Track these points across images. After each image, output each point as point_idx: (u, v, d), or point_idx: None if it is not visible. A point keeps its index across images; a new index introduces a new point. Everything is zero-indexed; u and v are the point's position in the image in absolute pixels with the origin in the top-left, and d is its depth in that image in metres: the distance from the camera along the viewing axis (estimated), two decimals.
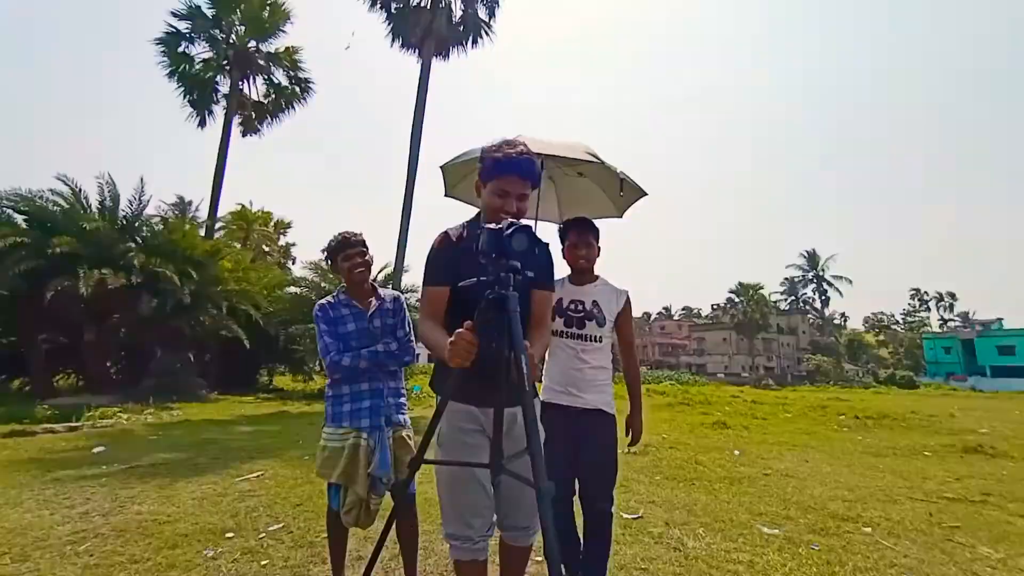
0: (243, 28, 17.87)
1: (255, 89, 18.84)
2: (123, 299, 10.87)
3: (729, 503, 4.17)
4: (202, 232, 14.63)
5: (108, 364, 12.76)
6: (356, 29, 72.09)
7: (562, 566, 1.25)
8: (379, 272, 14.47)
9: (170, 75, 17.12)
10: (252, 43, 18.04)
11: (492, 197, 1.69)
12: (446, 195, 3.22)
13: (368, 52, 46.28)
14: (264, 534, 3.23)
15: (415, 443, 2.23)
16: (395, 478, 2.32)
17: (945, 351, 54.55)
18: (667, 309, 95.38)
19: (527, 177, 1.68)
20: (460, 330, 1.41)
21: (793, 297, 64.85)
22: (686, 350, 63.64)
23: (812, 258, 61.69)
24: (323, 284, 13.80)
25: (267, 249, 31.81)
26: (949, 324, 68.50)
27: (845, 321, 71.30)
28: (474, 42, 17.10)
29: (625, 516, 3.68)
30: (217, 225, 18.95)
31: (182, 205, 22.62)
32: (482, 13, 16.99)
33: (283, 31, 18.22)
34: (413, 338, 2.48)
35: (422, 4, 16.40)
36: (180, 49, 17.15)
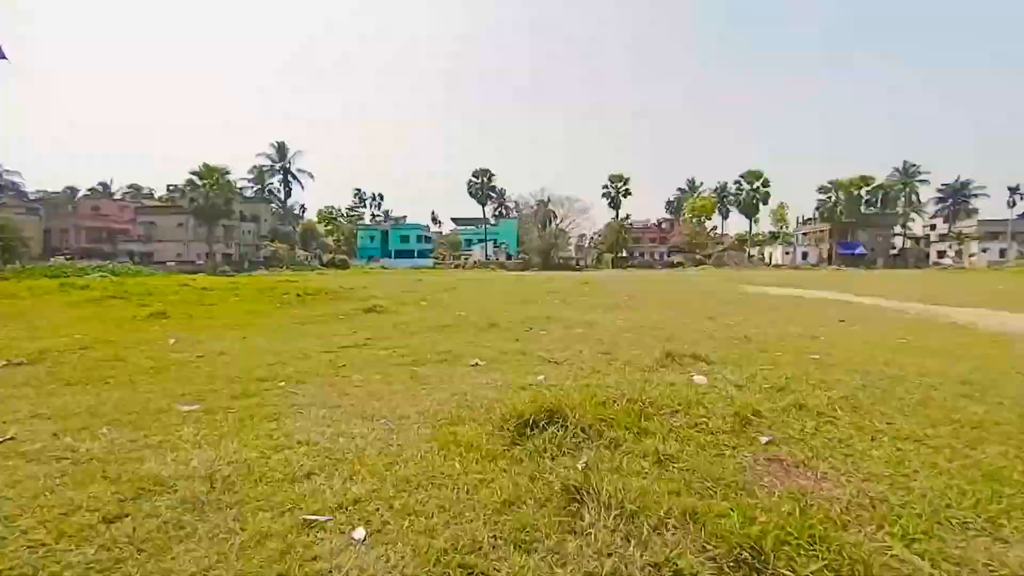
0: None
1: None
2: None
3: (150, 393, 3.89)
4: None
5: None
6: None
7: None
8: None
9: None
10: None
11: None
12: None
13: None
14: None
15: None
16: None
17: (371, 239, 70.07)
18: (105, 186, 75.57)
19: None
20: None
21: (260, 186, 65.22)
22: (129, 236, 53.45)
23: (281, 150, 63.26)
24: None
25: None
26: (376, 218, 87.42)
27: (303, 212, 78.48)
28: None
29: None
30: None
31: None
32: None
33: None
34: None
35: None
36: None
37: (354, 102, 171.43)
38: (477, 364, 4.80)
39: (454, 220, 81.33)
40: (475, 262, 60.04)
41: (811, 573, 1.63)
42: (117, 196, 72.28)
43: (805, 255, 63.89)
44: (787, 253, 65.81)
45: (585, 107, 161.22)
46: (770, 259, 66.96)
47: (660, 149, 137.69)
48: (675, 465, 2.43)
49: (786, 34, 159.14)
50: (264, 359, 5.10)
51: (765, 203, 67.22)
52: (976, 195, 65.10)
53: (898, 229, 68.07)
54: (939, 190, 67.03)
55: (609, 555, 1.78)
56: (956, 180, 65.51)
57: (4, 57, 17.43)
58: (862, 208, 64.34)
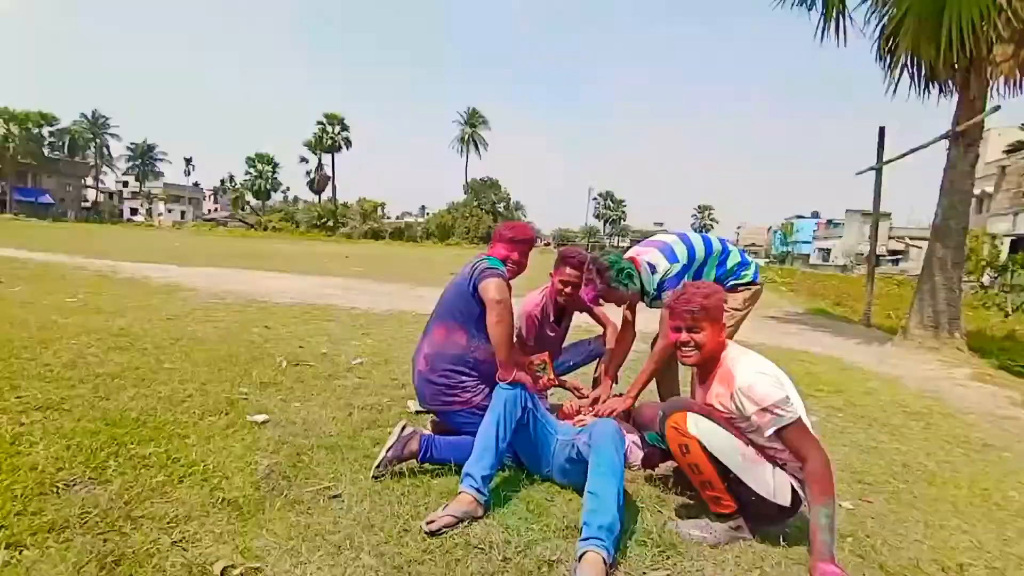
0: None
1: None
2: None
3: None
4: None
5: None
6: None
7: None
8: None
9: None
10: None
11: None
12: None
13: None
14: None
15: None
16: None
17: None
18: None
19: None
20: None
21: None
22: None
23: None
24: None
25: None
26: None
27: None
28: None
29: None
30: None
31: None
32: None
33: None
34: None
35: None
36: None
37: None
38: None
39: None
40: None
41: None
42: None
43: None
44: None
45: None
46: None
47: None
48: None
49: None
50: None
51: None
52: (161, 159, 71.96)
53: (91, 181, 65.12)
54: (129, 148, 69.17)
55: None
56: (143, 142, 69.70)
57: None
58: (47, 152, 56.69)
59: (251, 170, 60.21)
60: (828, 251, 55.02)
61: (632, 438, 2.47)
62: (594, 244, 68.96)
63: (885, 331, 8.36)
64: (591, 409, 2.51)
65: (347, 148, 54.34)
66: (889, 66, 7.19)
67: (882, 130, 8.47)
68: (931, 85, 7.12)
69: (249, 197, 63.11)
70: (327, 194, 56.46)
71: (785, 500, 1.74)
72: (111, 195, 69.91)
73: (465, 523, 1.75)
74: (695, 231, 2.64)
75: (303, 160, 56.64)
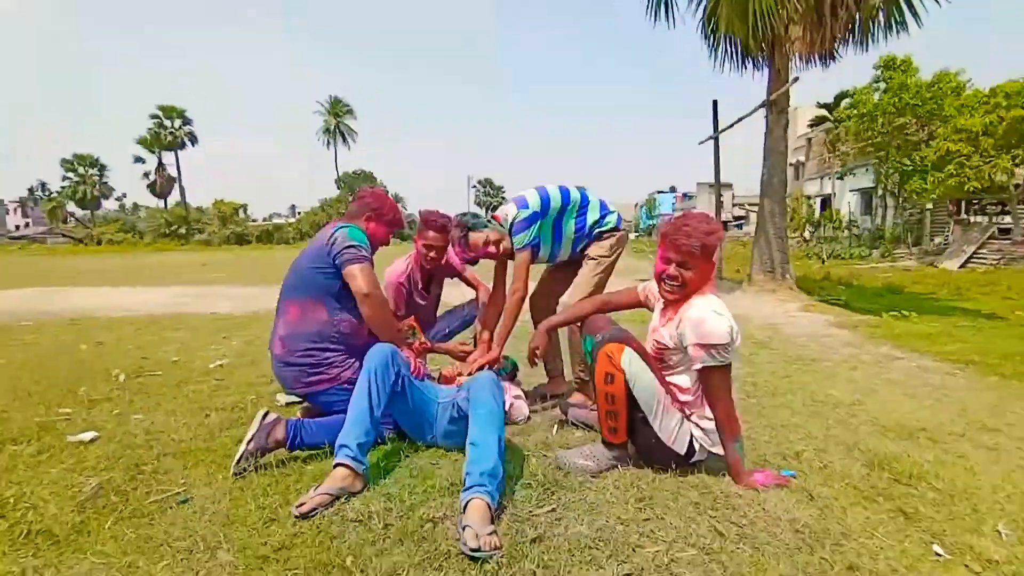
0: None
1: None
2: None
3: None
4: None
5: None
6: None
7: None
8: None
9: None
10: None
11: None
12: None
13: None
14: None
15: None
16: None
17: None
18: None
19: None
20: None
21: None
22: None
23: None
24: None
25: None
26: None
27: None
28: None
29: None
30: None
31: None
32: None
33: None
34: None
35: None
36: None
37: None
38: None
39: None
40: None
41: None
42: None
43: None
44: None
45: None
46: None
47: None
48: None
49: None
50: None
51: None
52: None
53: None
54: None
55: None
56: None
57: None
58: None
59: (70, 175, 50.95)
60: None
61: (514, 393, 2.49)
62: None
63: (734, 282, 9.48)
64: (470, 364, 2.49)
65: (192, 144, 48.20)
66: (713, 45, 8.08)
67: (715, 103, 9.48)
68: (746, 61, 8.11)
69: (72, 207, 53.51)
70: (175, 197, 49.87)
71: (681, 449, 1.82)
72: None
73: (342, 500, 1.62)
74: (556, 185, 2.68)
75: (139, 160, 49.23)
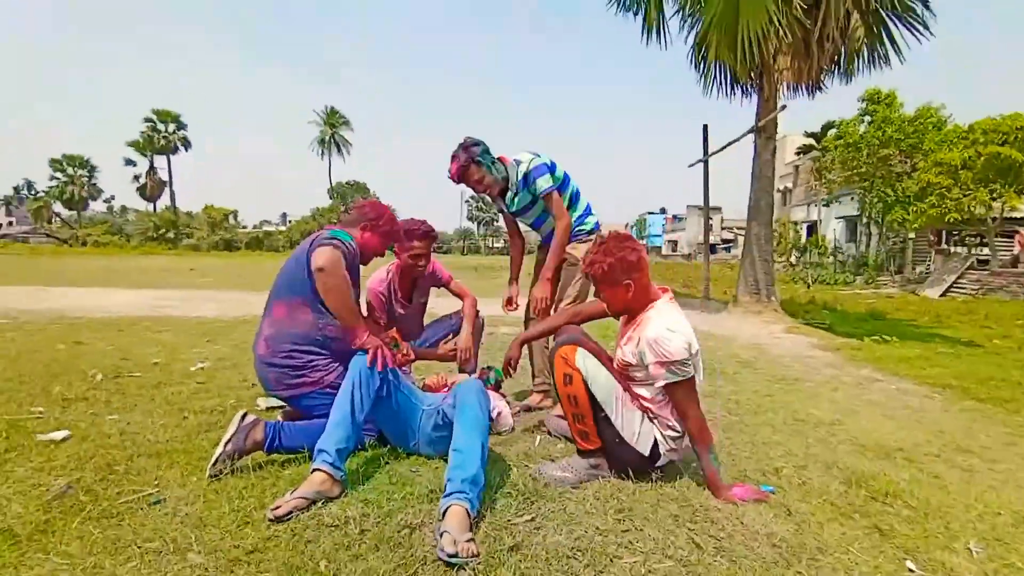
0: None
1: None
2: None
3: None
4: None
5: None
6: None
7: None
8: None
9: None
10: None
11: None
12: None
13: None
14: None
15: None
16: None
17: None
18: None
19: None
20: None
21: None
22: None
23: None
24: None
25: None
26: None
27: None
28: None
29: None
30: None
31: None
32: None
33: None
34: None
35: None
36: None
37: None
38: None
39: None
40: None
41: None
42: None
43: None
44: None
45: None
46: None
47: None
48: None
49: None
50: None
51: None
52: None
53: None
54: None
55: None
56: None
57: None
58: None
59: (58, 175, 50.32)
60: (676, 242, 61.68)
61: (501, 404, 2.48)
62: (469, 246, 69.60)
63: (720, 303, 9.58)
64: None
65: (186, 149, 47.96)
66: (703, 72, 8.27)
67: (705, 128, 9.67)
68: (735, 87, 8.31)
69: (59, 207, 52.75)
70: (165, 202, 49.40)
71: (645, 449, 1.84)
72: None
73: (319, 504, 1.60)
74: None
75: (130, 163, 48.80)
